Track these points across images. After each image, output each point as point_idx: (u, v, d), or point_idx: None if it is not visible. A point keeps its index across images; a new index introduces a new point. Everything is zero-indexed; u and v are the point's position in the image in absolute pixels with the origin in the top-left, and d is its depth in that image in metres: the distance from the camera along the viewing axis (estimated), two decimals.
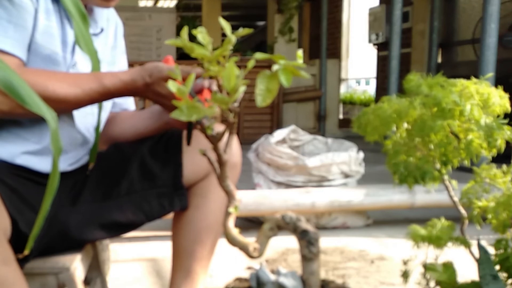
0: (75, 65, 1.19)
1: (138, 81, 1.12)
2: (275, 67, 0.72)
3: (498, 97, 0.94)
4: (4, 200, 0.97)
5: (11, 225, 0.97)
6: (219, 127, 0.79)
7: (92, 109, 1.24)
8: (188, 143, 1.25)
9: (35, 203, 1.07)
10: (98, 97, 1.11)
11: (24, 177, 1.14)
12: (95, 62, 1.11)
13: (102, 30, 1.29)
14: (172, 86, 0.75)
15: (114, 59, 1.36)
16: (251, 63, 0.73)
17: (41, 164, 1.16)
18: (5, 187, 1.06)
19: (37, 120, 1.14)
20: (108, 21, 1.33)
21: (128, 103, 1.43)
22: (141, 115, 1.35)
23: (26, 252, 0.82)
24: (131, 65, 1.48)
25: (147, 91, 1.13)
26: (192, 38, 0.75)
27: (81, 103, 1.11)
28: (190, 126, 1.24)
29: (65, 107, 1.10)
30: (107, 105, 1.34)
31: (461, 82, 0.96)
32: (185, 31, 0.77)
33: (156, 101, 1.18)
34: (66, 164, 1.24)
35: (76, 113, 1.22)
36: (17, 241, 0.97)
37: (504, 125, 0.94)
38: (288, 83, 0.72)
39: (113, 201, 1.25)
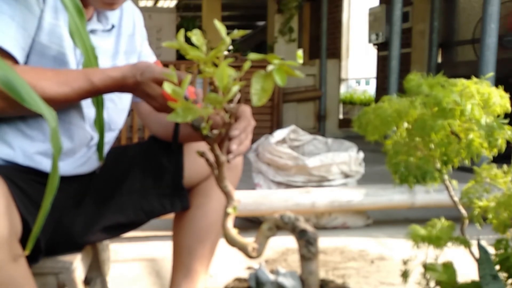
0: None
1: (129, 78, 1.09)
2: (269, 67, 0.72)
3: (498, 97, 0.94)
4: (16, 201, 0.98)
5: (22, 225, 0.97)
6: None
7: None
8: (174, 146, 1.24)
9: None
10: (87, 95, 1.09)
11: (35, 180, 1.14)
12: (89, 59, 1.09)
13: (113, 26, 1.27)
14: (167, 87, 0.75)
15: (134, 47, 1.33)
16: (246, 65, 0.73)
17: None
18: (17, 189, 1.07)
19: (39, 118, 1.13)
20: (123, 11, 1.31)
21: None
22: None
23: (26, 253, 0.82)
24: None
25: (136, 90, 1.11)
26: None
27: (70, 101, 1.10)
28: (176, 129, 1.24)
29: (54, 106, 1.08)
30: (126, 100, 1.32)
31: (461, 82, 0.95)
32: (181, 33, 0.77)
33: (143, 99, 1.15)
34: (73, 166, 1.23)
35: (87, 112, 1.21)
36: (27, 241, 0.97)
37: (505, 124, 0.94)
38: (283, 82, 0.72)
39: (115, 201, 1.25)
